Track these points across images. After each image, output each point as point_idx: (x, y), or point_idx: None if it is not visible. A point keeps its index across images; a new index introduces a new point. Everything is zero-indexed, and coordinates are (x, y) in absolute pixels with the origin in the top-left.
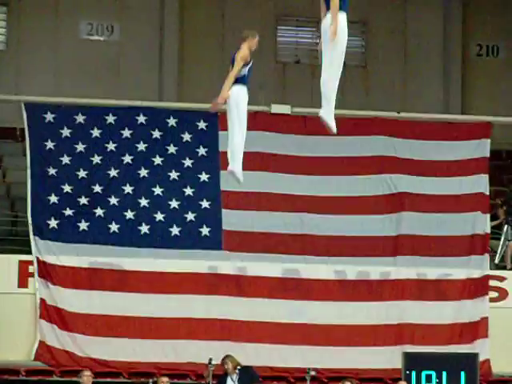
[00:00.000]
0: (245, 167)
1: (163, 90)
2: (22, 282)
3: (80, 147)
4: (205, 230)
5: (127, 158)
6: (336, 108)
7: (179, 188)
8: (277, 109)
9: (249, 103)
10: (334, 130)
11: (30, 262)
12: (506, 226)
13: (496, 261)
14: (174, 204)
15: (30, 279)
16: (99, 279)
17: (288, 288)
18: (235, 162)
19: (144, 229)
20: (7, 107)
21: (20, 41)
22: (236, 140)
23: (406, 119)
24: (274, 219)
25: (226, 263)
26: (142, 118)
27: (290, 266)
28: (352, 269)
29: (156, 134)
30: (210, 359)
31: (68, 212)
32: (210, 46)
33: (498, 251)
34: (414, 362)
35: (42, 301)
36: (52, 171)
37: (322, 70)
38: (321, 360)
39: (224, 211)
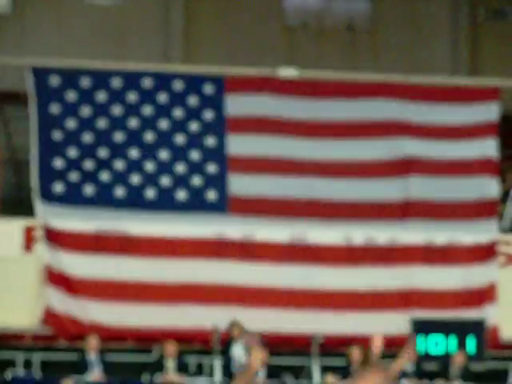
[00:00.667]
0: (252, 131)
1: (169, 52)
2: (28, 247)
3: (85, 111)
4: (211, 195)
5: (133, 123)
6: (345, 71)
7: (185, 152)
8: (284, 72)
9: (256, 67)
10: None
11: (35, 227)
12: None
13: (504, 225)
14: (179, 169)
15: (35, 244)
16: (105, 244)
17: (295, 253)
18: None
19: (150, 193)
20: (12, 71)
21: (25, 4)
22: None
23: (415, 83)
24: (282, 184)
25: (233, 228)
26: (147, 82)
27: (298, 230)
28: (360, 234)
29: (162, 97)
30: (216, 325)
31: (73, 176)
32: (217, 11)
33: (507, 215)
34: (421, 327)
35: (48, 266)
36: (57, 135)
37: None
38: (328, 326)
39: (230, 176)
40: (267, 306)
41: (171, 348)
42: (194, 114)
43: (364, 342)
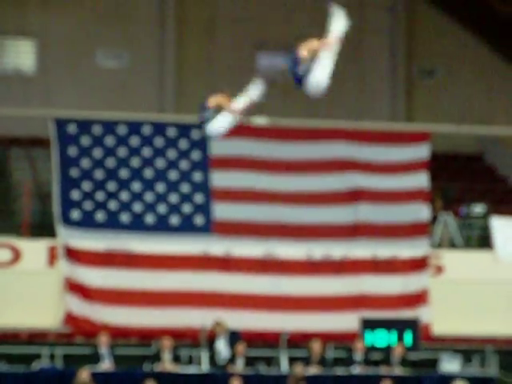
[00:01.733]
0: (231, 167)
1: (164, 104)
2: (51, 262)
3: (97, 153)
4: (199, 220)
5: (135, 162)
6: (305, 119)
7: (177, 185)
8: (257, 120)
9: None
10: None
11: (57, 246)
12: (442, 214)
13: (434, 242)
14: (173, 199)
15: (57, 260)
16: (113, 260)
17: (266, 266)
18: None
19: (149, 219)
20: (38, 121)
21: (48, 66)
22: None
23: (361, 128)
24: (256, 210)
25: (216, 246)
26: (146, 129)
27: (269, 247)
28: (318, 250)
29: (158, 141)
30: (204, 324)
31: (87, 205)
32: (203, 71)
33: (437, 234)
34: (368, 324)
35: (67, 277)
36: (74, 172)
37: None
38: (293, 324)
39: (214, 204)
40: (244, 308)
41: (167, 343)
42: (184, 154)
43: (322, 337)
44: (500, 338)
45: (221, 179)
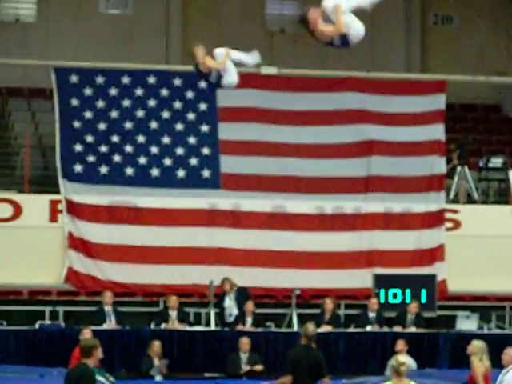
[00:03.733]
0: (239, 119)
1: (169, 53)
2: (53, 218)
3: (100, 104)
4: (206, 173)
5: (140, 113)
6: (316, 69)
7: (184, 138)
8: (266, 70)
9: (241, 66)
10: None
11: (59, 201)
12: (458, 167)
13: (451, 196)
14: (179, 151)
15: (59, 215)
16: (117, 215)
17: (276, 221)
18: None
19: (154, 172)
20: (39, 71)
21: (48, 14)
22: None
23: (375, 78)
24: (264, 163)
25: (224, 200)
26: (151, 79)
27: (278, 202)
28: (330, 204)
29: (164, 92)
30: (211, 281)
31: (90, 158)
32: (209, 18)
33: (453, 188)
34: (382, 281)
35: (70, 233)
36: (77, 124)
37: None
38: (304, 281)
39: (222, 157)
40: (253, 265)
41: (174, 301)
42: (190, 105)
43: (334, 294)
44: None
45: (228, 131)
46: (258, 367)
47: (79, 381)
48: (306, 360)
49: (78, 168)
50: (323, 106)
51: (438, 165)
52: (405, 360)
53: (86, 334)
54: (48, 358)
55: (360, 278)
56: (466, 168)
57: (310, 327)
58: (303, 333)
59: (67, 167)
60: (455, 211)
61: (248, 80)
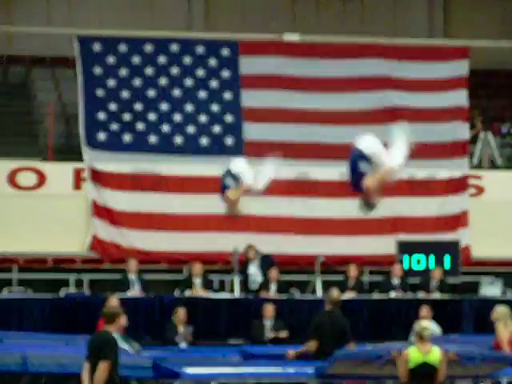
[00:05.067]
0: (262, 86)
1: (192, 21)
2: (77, 186)
3: (123, 72)
4: (229, 141)
5: (163, 81)
6: (339, 35)
7: (207, 105)
8: (288, 37)
9: (265, 32)
10: None
11: (83, 169)
12: (482, 133)
13: (474, 162)
14: (202, 119)
15: (83, 183)
16: (141, 183)
17: (300, 188)
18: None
19: (178, 140)
20: (62, 39)
21: None
22: None
23: (397, 44)
24: (288, 130)
25: None
26: (174, 47)
27: (302, 169)
28: None
29: (187, 60)
30: (235, 248)
31: (114, 126)
32: None
33: (476, 154)
34: (406, 248)
35: (94, 201)
36: (100, 92)
37: None
38: (328, 248)
39: (245, 124)
40: (277, 232)
41: (198, 268)
42: (213, 73)
43: (358, 261)
44: None
45: (252, 98)
46: (283, 334)
47: (102, 347)
48: (331, 326)
49: (102, 136)
50: (346, 72)
51: (461, 131)
52: (428, 325)
53: (113, 301)
54: (73, 326)
55: (384, 245)
56: (490, 134)
57: (334, 293)
58: (327, 298)
59: (91, 135)
60: (478, 177)
61: (271, 47)
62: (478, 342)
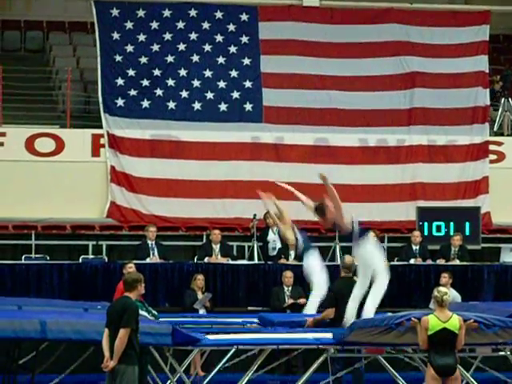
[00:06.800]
0: (281, 52)
1: None
2: (95, 152)
3: (141, 37)
4: (248, 106)
5: (181, 46)
6: (358, 1)
7: (226, 71)
8: (307, 2)
9: None
10: None
11: (102, 135)
12: (502, 99)
13: (495, 128)
14: (221, 84)
15: (101, 149)
16: (159, 149)
17: (318, 154)
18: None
19: (196, 106)
20: (80, 4)
21: None
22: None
23: (418, 9)
24: (306, 96)
25: (266, 134)
26: (193, 12)
27: (321, 135)
28: (372, 137)
29: (205, 25)
30: (255, 215)
31: (132, 92)
32: None
33: (497, 120)
34: (426, 214)
35: (112, 167)
36: (118, 58)
37: None
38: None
39: (264, 90)
40: (295, 198)
41: (217, 235)
42: (232, 38)
43: (377, 226)
44: None
45: (270, 64)
46: (302, 300)
47: (122, 314)
48: (348, 292)
49: (120, 102)
50: (366, 38)
51: (481, 96)
52: (446, 290)
53: (130, 268)
54: (91, 292)
55: (403, 211)
56: (511, 100)
57: (347, 257)
58: (341, 264)
59: (109, 101)
60: (499, 143)
61: (289, 12)
62: (497, 309)
